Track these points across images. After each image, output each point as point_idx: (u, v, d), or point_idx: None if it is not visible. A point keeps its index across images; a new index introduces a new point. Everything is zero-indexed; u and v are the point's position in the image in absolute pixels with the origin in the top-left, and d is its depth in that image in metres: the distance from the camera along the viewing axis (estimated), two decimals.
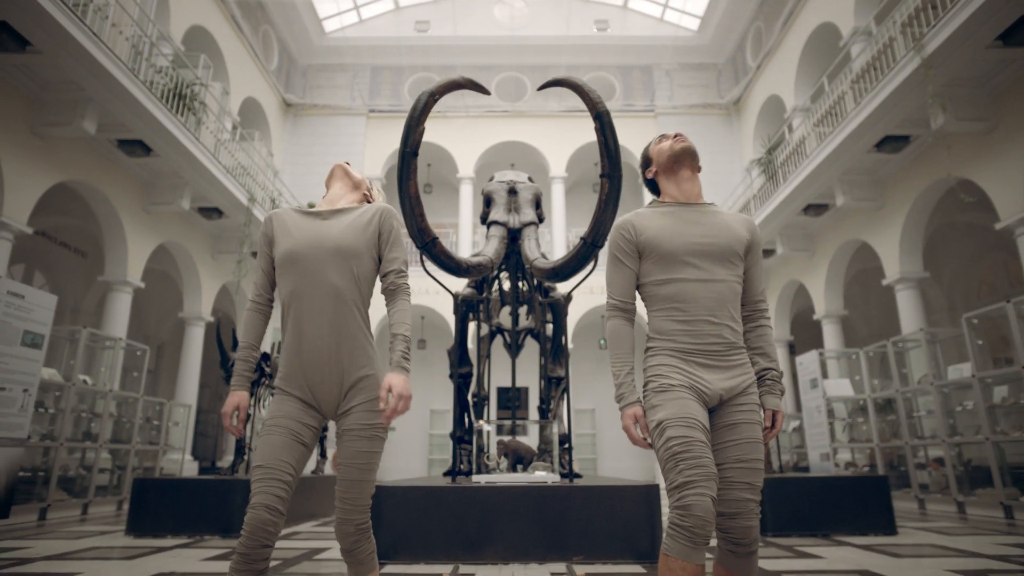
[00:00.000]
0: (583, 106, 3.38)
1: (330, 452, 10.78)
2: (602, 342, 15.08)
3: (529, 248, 4.42)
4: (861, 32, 9.82)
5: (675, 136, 1.81)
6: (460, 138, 15.20)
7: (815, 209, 10.58)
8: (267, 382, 6.29)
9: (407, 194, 3.43)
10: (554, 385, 5.21)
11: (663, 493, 3.63)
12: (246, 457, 5.97)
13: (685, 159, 1.77)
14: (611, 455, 14.98)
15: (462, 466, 5.05)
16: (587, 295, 12.98)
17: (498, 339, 5.83)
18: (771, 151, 11.62)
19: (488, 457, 4.83)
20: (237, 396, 1.76)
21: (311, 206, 1.95)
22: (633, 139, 14.73)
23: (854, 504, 4.94)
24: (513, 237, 4.57)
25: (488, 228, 4.62)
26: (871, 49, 8.62)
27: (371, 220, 1.80)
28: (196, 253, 10.97)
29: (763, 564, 3.60)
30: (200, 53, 10.54)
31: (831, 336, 11.00)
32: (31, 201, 7.24)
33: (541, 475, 4.34)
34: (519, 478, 4.12)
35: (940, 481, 6.99)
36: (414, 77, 15.80)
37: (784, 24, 12.47)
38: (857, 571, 3.36)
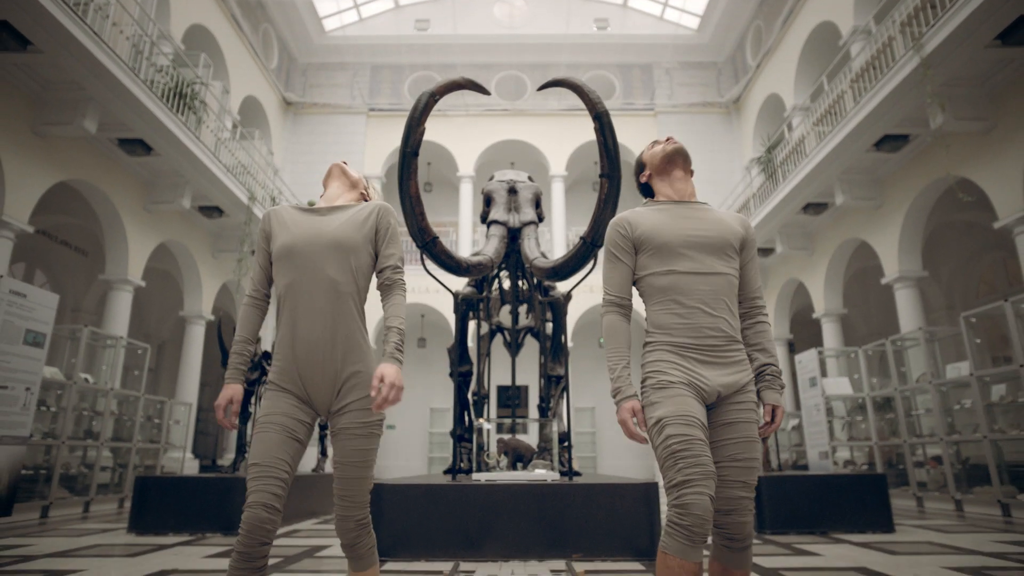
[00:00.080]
0: (583, 105, 3.39)
1: (331, 450, 10.80)
2: (601, 341, 15.10)
3: (529, 247, 4.45)
4: (861, 31, 9.83)
5: (667, 140, 1.86)
6: (460, 137, 15.21)
7: (814, 208, 10.60)
8: (268, 380, 6.31)
9: (408, 194, 3.45)
10: (554, 383, 5.23)
11: (662, 491, 3.66)
12: (247, 455, 6.00)
13: (677, 159, 1.81)
14: (611, 453, 15.01)
15: (462, 464, 5.08)
16: (587, 294, 13.00)
17: (498, 338, 5.86)
18: (771, 150, 11.64)
19: (488, 455, 4.85)
20: (231, 389, 1.75)
21: (311, 204, 1.96)
22: (633, 138, 14.74)
23: (852, 502, 4.96)
24: (513, 236, 4.59)
25: (488, 227, 4.64)
26: (870, 48, 8.63)
27: (369, 217, 1.82)
28: (196, 252, 10.99)
29: (761, 561, 3.62)
30: (200, 52, 10.56)
31: (830, 335, 11.02)
32: (32, 200, 7.25)
33: (541, 473, 4.36)
34: (519, 476, 4.15)
35: (938, 479, 7.01)
36: (414, 76, 15.80)
37: (784, 23, 12.48)
38: (854, 568, 3.38)
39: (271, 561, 3.51)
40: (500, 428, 6.64)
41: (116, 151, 8.57)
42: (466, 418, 5.28)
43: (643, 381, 1.68)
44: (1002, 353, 9.31)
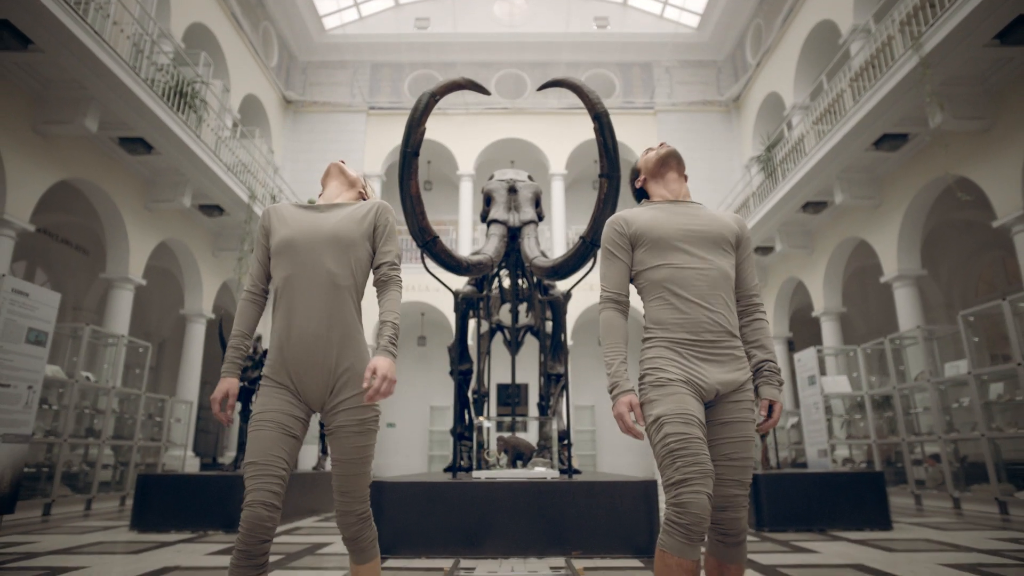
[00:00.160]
0: (583, 104, 3.42)
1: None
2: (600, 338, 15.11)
3: (529, 246, 4.47)
4: (860, 30, 9.83)
5: (660, 146, 1.91)
6: (460, 135, 15.21)
7: (814, 207, 10.62)
8: (263, 375, 6.33)
9: (408, 193, 3.47)
10: (554, 382, 5.25)
11: (661, 489, 3.68)
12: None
13: (671, 161, 1.85)
14: (610, 451, 15.04)
15: (462, 462, 5.11)
16: (586, 293, 13.01)
17: (498, 336, 5.88)
18: (770, 148, 11.65)
19: (488, 453, 4.87)
20: (227, 383, 1.74)
21: (311, 203, 1.98)
22: (633, 136, 14.74)
23: (850, 500, 4.99)
24: (513, 235, 4.61)
25: (488, 226, 4.66)
26: (870, 47, 8.64)
27: (367, 214, 1.84)
28: (197, 250, 11.00)
29: (759, 558, 3.65)
30: (201, 51, 10.56)
31: (829, 333, 11.05)
32: (33, 199, 7.27)
33: (541, 471, 4.38)
34: (519, 474, 4.17)
35: (936, 477, 7.04)
36: (414, 74, 15.80)
37: (784, 21, 12.49)
38: (852, 565, 3.41)
39: (272, 558, 3.53)
40: (500, 426, 6.65)
41: (117, 150, 8.59)
42: (466, 416, 5.30)
43: (641, 378, 1.69)
44: (1000, 351, 9.33)
